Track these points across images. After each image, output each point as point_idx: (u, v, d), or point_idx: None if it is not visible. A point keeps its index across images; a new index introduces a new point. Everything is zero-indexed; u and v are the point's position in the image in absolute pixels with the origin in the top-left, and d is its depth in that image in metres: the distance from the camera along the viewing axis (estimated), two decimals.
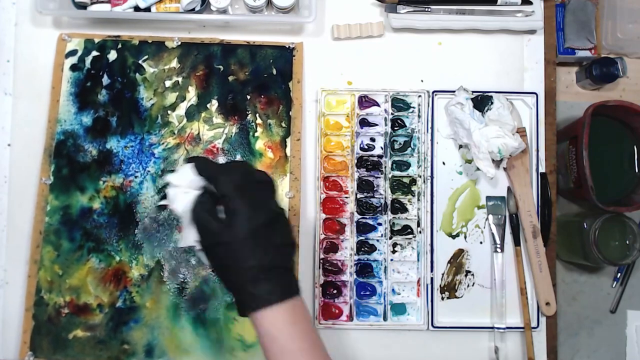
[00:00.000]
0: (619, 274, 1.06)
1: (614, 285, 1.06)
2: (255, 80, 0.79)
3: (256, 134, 0.78)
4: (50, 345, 0.72)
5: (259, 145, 0.78)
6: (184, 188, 0.54)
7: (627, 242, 0.91)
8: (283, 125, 0.79)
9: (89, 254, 0.74)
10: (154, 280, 0.74)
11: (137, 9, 0.78)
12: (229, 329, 0.73)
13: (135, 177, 0.76)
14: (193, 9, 0.78)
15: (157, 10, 0.79)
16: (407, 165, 0.80)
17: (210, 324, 0.73)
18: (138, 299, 0.74)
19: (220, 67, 0.79)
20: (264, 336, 0.51)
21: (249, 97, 0.79)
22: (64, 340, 0.72)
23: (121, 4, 0.77)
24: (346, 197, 0.79)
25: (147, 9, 0.78)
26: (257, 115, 0.78)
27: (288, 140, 0.78)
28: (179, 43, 0.79)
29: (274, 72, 0.79)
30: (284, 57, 0.80)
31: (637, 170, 0.95)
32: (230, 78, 0.79)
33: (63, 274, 0.74)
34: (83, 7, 0.79)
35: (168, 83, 0.79)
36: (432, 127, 0.80)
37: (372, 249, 0.78)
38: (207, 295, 0.74)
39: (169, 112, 0.78)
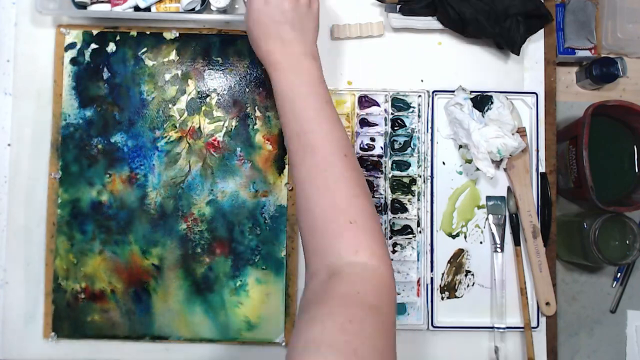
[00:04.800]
0: (619, 274, 1.06)
1: (614, 285, 1.06)
2: (254, 73, 0.80)
3: (255, 127, 0.79)
4: (71, 328, 0.77)
5: (259, 138, 0.78)
6: None
7: (627, 242, 0.91)
8: None
9: (101, 244, 0.77)
10: (165, 269, 0.77)
11: (137, 8, 0.78)
12: (235, 312, 0.77)
13: (141, 170, 0.78)
14: (193, 9, 0.78)
15: (157, 10, 0.79)
16: (407, 165, 0.80)
17: (218, 307, 0.77)
18: (150, 286, 0.77)
19: (219, 59, 0.80)
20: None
21: (247, 89, 0.79)
22: (83, 322, 0.77)
23: (121, 4, 0.77)
24: None
25: (147, 9, 0.78)
26: (256, 108, 0.79)
27: None
28: (177, 35, 0.80)
29: None
30: None
31: (637, 170, 0.95)
32: (229, 70, 0.80)
33: (78, 262, 0.77)
34: (83, 7, 0.79)
35: (168, 76, 0.79)
36: (432, 127, 0.80)
37: None
38: (212, 281, 0.77)
39: (170, 105, 0.79)
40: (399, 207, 0.79)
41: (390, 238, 0.78)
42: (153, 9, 0.79)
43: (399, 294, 0.78)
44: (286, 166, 0.78)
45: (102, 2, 0.78)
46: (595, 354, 1.05)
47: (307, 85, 0.60)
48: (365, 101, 0.80)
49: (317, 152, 0.55)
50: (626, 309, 1.06)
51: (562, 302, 1.04)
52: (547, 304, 0.78)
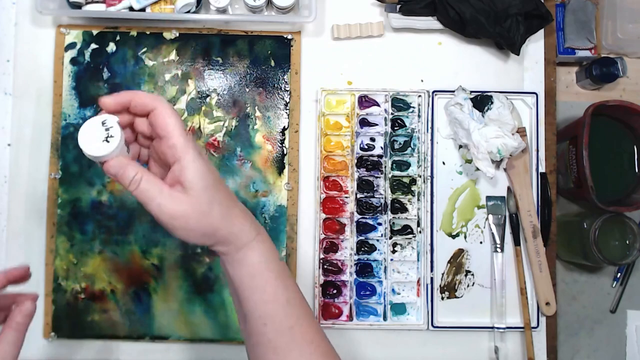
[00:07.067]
0: (619, 274, 1.06)
1: (614, 285, 1.06)
2: (254, 73, 0.80)
3: (255, 127, 0.79)
4: (71, 328, 0.77)
5: (259, 138, 0.79)
6: None
7: (627, 242, 0.91)
8: (281, 118, 0.79)
9: (101, 244, 0.77)
10: (165, 269, 0.77)
11: (131, 9, 0.78)
12: (235, 312, 0.75)
13: None
14: (188, 12, 0.78)
15: (152, 12, 0.78)
16: (407, 165, 0.80)
17: (218, 307, 0.77)
18: (150, 286, 0.77)
19: (219, 59, 0.80)
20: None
21: (247, 89, 0.79)
22: (82, 322, 0.77)
23: (116, 4, 0.77)
24: (346, 197, 0.79)
25: (142, 11, 0.78)
26: (256, 107, 0.79)
27: (286, 132, 0.79)
28: (177, 34, 0.80)
29: (273, 63, 0.80)
30: (283, 48, 0.80)
31: (637, 170, 0.95)
32: (229, 70, 0.80)
33: (78, 262, 0.77)
34: (78, 6, 0.78)
35: (167, 76, 0.79)
36: (432, 127, 0.80)
37: (372, 248, 0.78)
38: (212, 281, 0.77)
39: None
40: (399, 207, 0.79)
41: (390, 238, 0.78)
42: (148, 10, 0.78)
43: (399, 294, 0.78)
44: (286, 166, 0.78)
45: (96, 2, 0.78)
46: (595, 354, 1.05)
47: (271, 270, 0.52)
48: (365, 101, 0.80)
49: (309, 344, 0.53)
50: (626, 309, 1.05)
51: (562, 302, 1.04)
52: (547, 304, 0.78)
